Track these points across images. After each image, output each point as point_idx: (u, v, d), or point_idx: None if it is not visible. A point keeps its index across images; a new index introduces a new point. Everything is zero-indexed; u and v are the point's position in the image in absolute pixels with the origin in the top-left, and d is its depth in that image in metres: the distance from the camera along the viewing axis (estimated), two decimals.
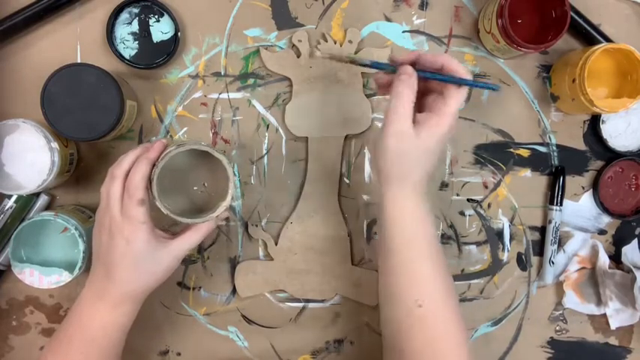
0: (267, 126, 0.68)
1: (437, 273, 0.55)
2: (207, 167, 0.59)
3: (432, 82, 0.55)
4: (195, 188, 0.60)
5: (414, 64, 0.55)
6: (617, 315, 0.69)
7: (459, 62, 0.53)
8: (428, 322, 0.54)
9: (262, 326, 0.70)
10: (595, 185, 0.70)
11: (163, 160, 0.53)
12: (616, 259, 0.71)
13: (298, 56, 0.67)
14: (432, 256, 0.55)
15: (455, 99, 0.52)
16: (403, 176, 0.54)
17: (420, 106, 0.55)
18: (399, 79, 0.53)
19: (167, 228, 0.62)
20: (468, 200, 0.70)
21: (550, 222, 0.69)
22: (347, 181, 0.69)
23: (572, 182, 0.70)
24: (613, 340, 0.72)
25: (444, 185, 0.70)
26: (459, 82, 0.53)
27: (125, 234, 0.52)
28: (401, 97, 0.52)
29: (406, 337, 0.54)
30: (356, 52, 0.67)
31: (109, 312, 0.54)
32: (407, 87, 0.52)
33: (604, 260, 0.69)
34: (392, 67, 0.55)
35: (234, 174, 0.55)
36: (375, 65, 0.55)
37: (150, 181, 0.53)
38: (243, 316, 0.70)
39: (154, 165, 0.53)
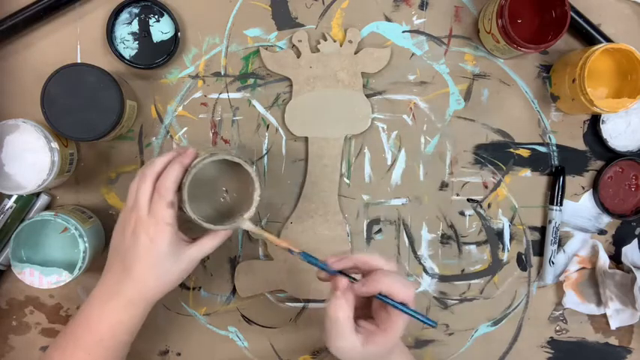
0: (267, 126, 0.68)
1: None
2: (233, 175, 0.59)
3: None
4: (223, 197, 0.60)
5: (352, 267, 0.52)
6: (617, 315, 0.69)
7: (400, 280, 0.50)
8: None
9: (262, 326, 0.70)
10: (595, 185, 0.70)
11: (196, 168, 0.54)
12: (616, 259, 0.71)
13: (298, 56, 0.67)
14: None
15: (400, 320, 0.50)
16: None
17: (364, 305, 0.53)
18: (334, 298, 0.50)
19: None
20: (468, 200, 0.70)
21: (550, 222, 0.69)
22: (347, 181, 0.69)
23: (572, 182, 0.70)
24: (613, 340, 0.72)
25: (444, 185, 0.70)
26: (399, 309, 0.50)
27: (150, 233, 0.52)
28: (336, 322, 0.50)
29: None
30: (356, 52, 0.67)
31: (120, 312, 0.54)
32: (339, 310, 0.50)
33: (604, 260, 0.69)
34: (324, 267, 0.52)
35: (260, 184, 0.56)
36: (307, 259, 0.53)
37: (181, 185, 0.54)
38: (243, 316, 0.70)
39: (185, 170, 0.54)
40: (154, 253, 0.53)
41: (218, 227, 0.55)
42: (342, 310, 0.50)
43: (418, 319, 0.51)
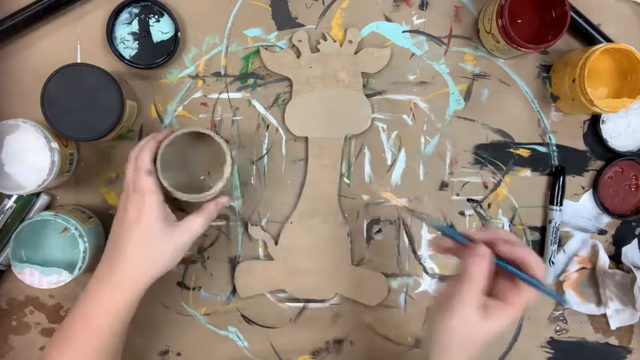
0: (267, 126, 0.68)
1: None
2: (211, 155, 0.63)
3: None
4: (203, 177, 0.64)
5: (489, 242, 0.51)
6: (618, 315, 0.69)
7: (537, 257, 0.50)
8: None
9: (262, 326, 0.70)
10: (595, 185, 0.70)
11: (168, 139, 0.58)
12: (616, 259, 0.71)
13: (298, 56, 0.67)
14: None
15: (529, 295, 0.50)
16: (461, 356, 0.51)
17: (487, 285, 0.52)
18: (473, 260, 0.49)
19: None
20: (468, 200, 0.70)
21: (550, 222, 0.69)
22: (347, 181, 0.69)
23: (572, 182, 0.70)
24: (613, 340, 0.72)
25: (444, 185, 0.70)
26: (536, 286, 0.50)
27: (137, 205, 0.55)
28: (472, 281, 0.49)
29: None
30: (356, 52, 0.67)
31: (114, 296, 0.55)
32: (480, 271, 0.49)
33: (604, 260, 0.69)
34: (465, 240, 0.51)
35: (232, 157, 0.60)
36: (447, 233, 0.52)
37: (155, 157, 0.57)
38: (243, 316, 0.70)
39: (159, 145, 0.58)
40: (143, 226, 0.55)
41: (187, 196, 0.58)
42: (479, 268, 0.49)
43: (552, 295, 0.51)
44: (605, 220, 0.71)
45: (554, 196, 0.69)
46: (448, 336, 0.51)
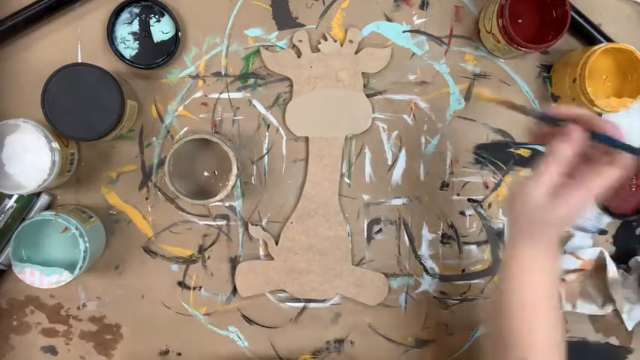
0: (268, 126, 0.68)
1: (550, 340, 0.52)
2: (217, 157, 0.65)
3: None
4: (206, 175, 0.66)
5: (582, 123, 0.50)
6: (631, 315, 0.68)
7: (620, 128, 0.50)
8: None
9: (262, 326, 0.70)
10: None
11: (178, 143, 0.61)
12: (616, 259, 0.71)
13: (299, 56, 0.67)
14: (549, 321, 0.52)
15: (612, 172, 0.49)
16: (533, 237, 0.51)
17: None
18: (559, 138, 0.49)
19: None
20: (468, 200, 0.70)
21: None
22: (347, 181, 0.69)
23: None
24: (613, 340, 0.72)
25: (444, 185, 0.70)
26: (627, 148, 0.48)
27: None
28: (553, 157, 0.49)
29: None
30: (356, 52, 0.67)
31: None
32: (562, 148, 0.49)
33: (613, 271, 0.68)
34: (562, 122, 0.50)
35: (238, 167, 0.61)
36: (543, 118, 0.52)
37: (163, 161, 0.60)
38: (244, 316, 0.70)
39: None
40: None
41: (196, 202, 0.62)
42: (564, 146, 0.48)
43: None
44: (606, 220, 0.71)
45: None
46: (519, 213, 0.51)
